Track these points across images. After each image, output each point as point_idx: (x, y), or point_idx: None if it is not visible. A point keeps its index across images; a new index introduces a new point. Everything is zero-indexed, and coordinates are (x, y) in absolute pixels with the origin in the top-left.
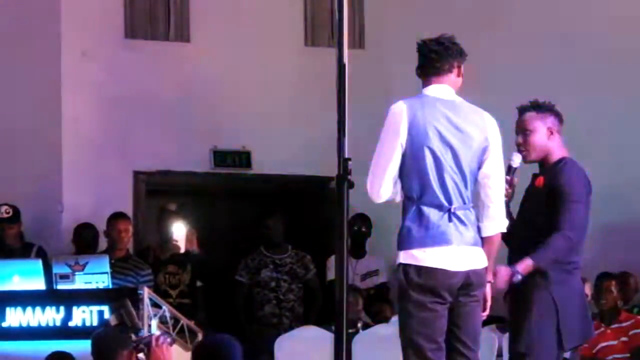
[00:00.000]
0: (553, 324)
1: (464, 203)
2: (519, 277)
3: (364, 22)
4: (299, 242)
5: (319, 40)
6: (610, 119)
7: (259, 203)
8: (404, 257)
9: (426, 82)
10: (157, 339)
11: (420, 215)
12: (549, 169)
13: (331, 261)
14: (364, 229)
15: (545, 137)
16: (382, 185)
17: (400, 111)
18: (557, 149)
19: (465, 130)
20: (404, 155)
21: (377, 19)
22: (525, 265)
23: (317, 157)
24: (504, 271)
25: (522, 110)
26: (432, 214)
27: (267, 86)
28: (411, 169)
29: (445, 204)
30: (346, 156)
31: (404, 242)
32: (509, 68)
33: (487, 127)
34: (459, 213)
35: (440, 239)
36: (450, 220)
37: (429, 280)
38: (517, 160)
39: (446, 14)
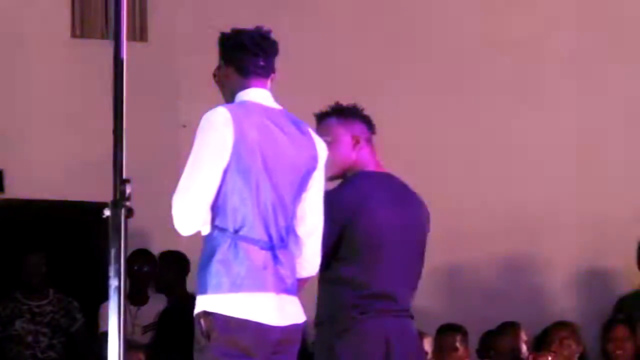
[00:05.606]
0: None
1: (284, 240)
2: None
3: (147, 10)
4: (64, 285)
5: (89, 32)
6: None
7: (13, 236)
8: (209, 303)
9: (241, 85)
10: None
11: (236, 252)
12: None
13: (105, 308)
14: (146, 269)
15: (350, 148)
16: (196, 213)
17: (224, 121)
18: (363, 162)
19: (293, 149)
20: (222, 177)
21: (162, 7)
22: None
23: (90, 177)
24: None
25: (321, 116)
26: (251, 251)
27: (24, 89)
28: (230, 195)
29: (267, 240)
30: (124, 176)
31: (211, 285)
32: (320, 62)
33: (315, 144)
34: (280, 253)
35: (258, 285)
36: (271, 261)
37: (239, 335)
38: None
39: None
